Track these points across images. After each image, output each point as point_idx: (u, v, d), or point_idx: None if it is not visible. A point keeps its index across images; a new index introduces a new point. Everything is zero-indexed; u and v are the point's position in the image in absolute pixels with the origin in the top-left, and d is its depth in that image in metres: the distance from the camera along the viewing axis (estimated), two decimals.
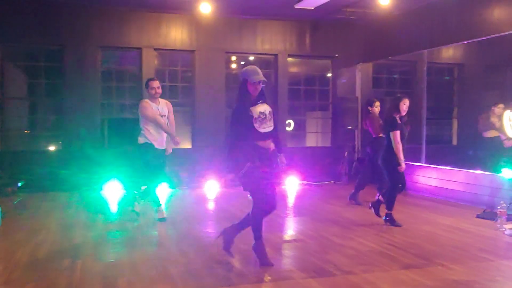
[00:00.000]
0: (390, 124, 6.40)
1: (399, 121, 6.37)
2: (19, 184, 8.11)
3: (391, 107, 6.47)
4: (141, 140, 6.66)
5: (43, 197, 8.77)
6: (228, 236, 4.78)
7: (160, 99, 6.80)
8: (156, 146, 6.64)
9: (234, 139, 4.57)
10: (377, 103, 8.10)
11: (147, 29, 10.09)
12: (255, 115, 4.52)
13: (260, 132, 4.55)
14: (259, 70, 4.62)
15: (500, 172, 8.02)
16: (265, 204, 4.56)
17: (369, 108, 8.06)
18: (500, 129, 8.16)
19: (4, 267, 4.66)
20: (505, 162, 8.42)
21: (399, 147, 6.26)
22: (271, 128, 4.63)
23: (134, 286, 4.10)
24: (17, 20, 9.35)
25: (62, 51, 9.71)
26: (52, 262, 4.81)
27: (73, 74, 9.71)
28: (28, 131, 10.18)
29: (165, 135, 6.71)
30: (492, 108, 8.97)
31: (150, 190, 6.79)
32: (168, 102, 6.93)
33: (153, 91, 6.66)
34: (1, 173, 8.32)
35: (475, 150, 10.45)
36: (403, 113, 6.38)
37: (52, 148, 10.07)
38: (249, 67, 4.67)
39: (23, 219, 6.90)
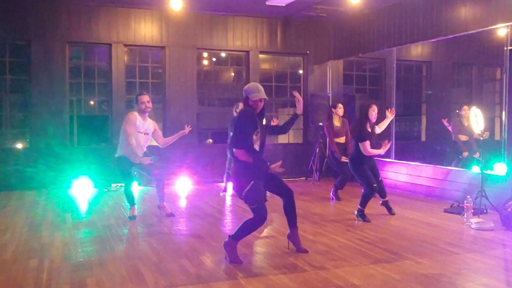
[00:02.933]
0: (358, 134, 6.51)
1: (368, 130, 6.45)
2: None
3: (361, 116, 6.56)
4: (118, 152, 6.55)
5: (9, 195, 8.57)
6: (230, 248, 4.71)
7: (149, 119, 6.65)
8: (131, 159, 6.51)
9: (244, 149, 4.56)
10: (340, 105, 8.38)
11: (117, 25, 9.94)
12: (255, 130, 4.60)
13: (255, 149, 4.65)
14: (260, 88, 4.69)
15: (470, 168, 8.26)
16: (265, 214, 4.61)
17: (333, 109, 8.35)
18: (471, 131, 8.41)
19: None
20: (475, 160, 8.69)
21: (371, 152, 6.43)
22: (261, 147, 4.73)
23: (103, 286, 4.04)
24: None
25: (28, 46, 9.47)
26: (19, 262, 4.70)
27: (40, 70, 9.49)
28: None
29: (140, 152, 6.53)
30: (459, 112, 9.25)
31: (126, 189, 6.68)
32: (154, 122, 6.79)
33: (143, 106, 6.49)
34: None
35: (443, 145, 10.72)
36: (373, 120, 6.49)
37: (18, 145, 9.83)
38: (251, 84, 4.75)
39: None
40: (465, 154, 9.07)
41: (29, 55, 9.48)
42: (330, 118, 8.38)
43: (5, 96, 9.70)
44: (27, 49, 9.48)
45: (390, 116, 7.17)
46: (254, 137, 4.61)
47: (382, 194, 6.89)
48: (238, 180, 4.64)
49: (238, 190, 4.67)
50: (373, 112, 6.46)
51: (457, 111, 9.41)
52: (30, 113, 9.56)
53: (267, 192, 5.21)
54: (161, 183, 6.71)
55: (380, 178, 6.76)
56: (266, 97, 4.66)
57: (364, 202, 6.54)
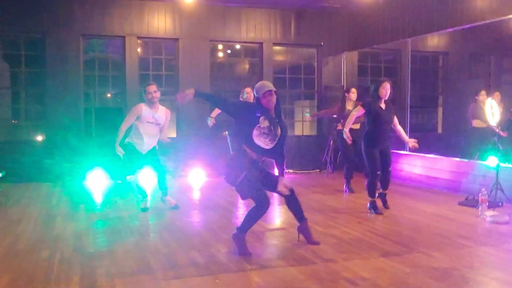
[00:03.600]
0: (363, 103, 6.53)
1: (380, 106, 6.35)
2: (1, 175, 8.00)
3: (372, 93, 6.51)
4: (127, 139, 6.59)
5: (26, 187, 8.70)
6: (238, 240, 4.71)
7: (161, 106, 6.66)
8: (137, 148, 6.54)
9: (238, 140, 4.60)
10: (353, 90, 8.26)
11: (130, 17, 9.97)
12: (262, 124, 4.51)
13: (255, 142, 4.54)
14: (266, 83, 4.62)
15: (485, 160, 8.08)
16: (266, 202, 4.56)
17: (346, 94, 8.25)
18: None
19: None
20: (491, 150, 8.47)
21: (349, 121, 6.64)
22: (267, 147, 4.59)
23: (112, 277, 4.07)
24: None
25: (43, 40, 9.56)
26: (31, 253, 4.76)
27: (55, 63, 9.58)
28: (14, 121, 10.05)
29: (152, 141, 6.60)
30: (476, 97, 9.02)
31: (135, 181, 6.72)
32: (168, 110, 6.77)
33: (149, 96, 6.52)
34: None
35: (459, 138, 10.53)
36: (383, 98, 6.37)
37: (35, 137, 9.96)
38: (257, 84, 4.67)
39: (5, 209, 6.84)
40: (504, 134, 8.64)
41: (44, 49, 9.57)
42: (343, 101, 8.25)
43: (21, 89, 9.83)
44: (42, 43, 9.58)
45: (410, 144, 6.92)
46: (255, 131, 4.55)
47: (384, 185, 6.64)
48: (231, 170, 4.61)
49: (229, 180, 4.65)
50: (383, 90, 6.35)
51: (476, 96, 9.15)
52: (45, 105, 9.67)
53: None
54: (163, 175, 6.72)
55: (389, 169, 6.56)
56: (273, 88, 4.58)
57: (371, 192, 6.44)
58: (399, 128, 6.68)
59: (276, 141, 4.63)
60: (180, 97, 4.64)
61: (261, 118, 4.54)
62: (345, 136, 6.73)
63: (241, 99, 8.31)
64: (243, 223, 4.68)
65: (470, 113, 9.13)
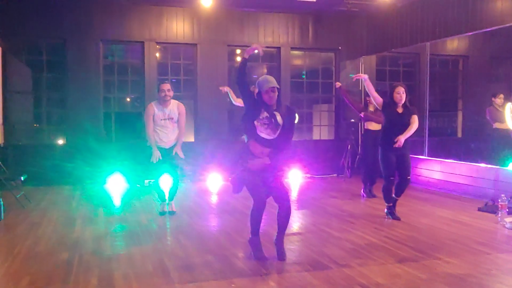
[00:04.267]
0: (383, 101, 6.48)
1: (397, 110, 6.32)
2: (23, 178, 8.17)
3: (388, 97, 6.48)
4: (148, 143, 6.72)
5: (46, 190, 8.85)
6: (253, 244, 4.75)
7: (173, 101, 6.74)
8: (159, 144, 6.64)
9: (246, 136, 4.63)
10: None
11: (149, 23, 10.10)
12: (261, 116, 4.53)
13: (258, 135, 4.57)
14: (270, 78, 4.60)
15: (507, 165, 7.97)
16: (259, 202, 4.57)
17: (367, 98, 8.22)
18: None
19: (3, 260, 4.71)
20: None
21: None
22: (270, 138, 4.57)
23: (129, 280, 4.14)
24: (19, 14, 9.39)
25: (64, 45, 9.74)
26: (51, 255, 4.86)
27: (76, 68, 9.75)
28: (36, 125, 10.25)
29: (171, 137, 6.69)
30: (493, 99, 8.88)
31: (155, 184, 6.80)
32: (181, 104, 6.83)
33: (162, 94, 6.63)
34: (5, 167, 8.38)
35: (480, 142, 10.38)
36: (399, 102, 6.33)
37: (56, 141, 10.14)
38: (261, 77, 4.66)
39: (26, 212, 6.98)
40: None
41: (64, 54, 9.75)
42: (365, 105, 8.28)
43: (43, 94, 10.01)
44: (63, 48, 9.75)
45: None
46: (256, 122, 4.54)
47: (398, 192, 6.45)
48: (233, 164, 4.67)
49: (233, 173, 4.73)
50: (397, 95, 6.32)
51: (492, 98, 8.99)
52: (66, 110, 9.84)
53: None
54: (176, 183, 6.79)
55: (408, 177, 6.38)
56: (277, 85, 4.58)
57: (387, 198, 6.41)
58: (412, 125, 6.32)
59: (278, 130, 4.59)
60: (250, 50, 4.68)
61: (261, 109, 4.56)
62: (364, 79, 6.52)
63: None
64: (250, 225, 4.72)
65: (489, 115, 8.99)
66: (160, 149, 6.63)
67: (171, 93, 6.69)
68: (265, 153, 4.57)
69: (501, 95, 8.80)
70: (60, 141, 10.10)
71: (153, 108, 6.66)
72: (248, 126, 4.61)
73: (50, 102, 10.16)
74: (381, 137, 6.46)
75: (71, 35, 9.71)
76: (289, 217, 4.74)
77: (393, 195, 6.48)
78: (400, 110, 6.35)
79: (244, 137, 4.76)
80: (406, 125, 6.33)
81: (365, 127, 8.19)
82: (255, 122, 4.56)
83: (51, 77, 9.94)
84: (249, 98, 4.69)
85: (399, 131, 6.28)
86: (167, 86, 6.67)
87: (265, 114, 4.56)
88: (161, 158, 6.58)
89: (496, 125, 8.76)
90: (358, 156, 10.20)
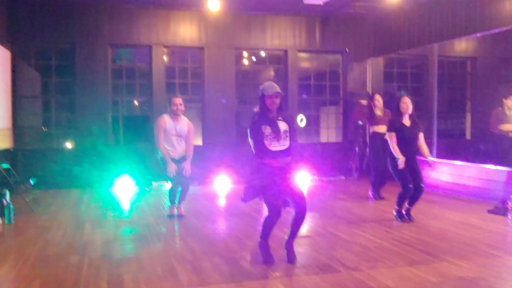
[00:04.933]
0: (388, 124, 6.54)
1: (403, 122, 6.32)
2: (32, 182, 8.22)
3: (394, 109, 6.48)
4: (159, 154, 6.73)
5: (56, 194, 8.90)
6: (262, 247, 4.75)
7: (183, 117, 6.76)
8: (172, 156, 6.64)
9: (253, 155, 4.64)
10: (377, 96, 8.21)
11: (157, 27, 10.15)
12: (266, 133, 4.55)
13: (270, 150, 4.56)
14: (275, 85, 4.65)
15: None
16: (275, 210, 4.56)
17: (371, 102, 8.24)
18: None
19: (14, 263, 4.75)
20: None
21: (393, 147, 6.31)
22: (284, 147, 4.60)
23: (138, 283, 4.15)
24: (28, 19, 9.48)
25: (73, 50, 9.81)
26: (61, 259, 4.88)
27: (84, 72, 9.82)
28: (45, 129, 10.32)
29: (178, 150, 6.69)
30: (504, 100, 8.81)
31: (171, 187, 6.80)
32: (190, 123, 6.84)
33: (174, 107, 6.64)
34: (15, 171, 8.44)
35: (488, 144, 10.32)
36: (406, 112, 6.33)
37: (64, 145, 10.20)
38: (266, 82, 4.72)
39: (35, 216, 7.02)
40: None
41: (73, 58, 9.82)
42: (371, 109, 8.24)
43: (52, 98, 10.08)
44: (72, 53, 9.82)
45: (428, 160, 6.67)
46: (266, 142, 4.55)
47: (412, 202, 6.42)
48: (247, 174, 4.71)
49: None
50: (404, 105, 6.32)
51: (503, 99, 8.90)
52: (75, 114, 9.90)
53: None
54: (187, 190, 6.81)
55: (422, 185, 6.32)
56: (281, 91, 4.61)
57: (400, 203, 6.41)
58: (422, 143, 6.43)
59: (287, 136, 4.62)
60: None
61: (263, 127, 4.56)
62: (399, 162, 6.25)
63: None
64: (262, 230, 4.73)
65: (494, 117, 8.87)
66: (172, 160, 6.66)
67: (183, 107, 6.70)
68: (279, 162, 4.61)
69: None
70: (69, 145, 10.16)
71: (165, 122, 6.65)
72: (259, 149, 4.60)
73: (58, 106, 10.23)
74: (391, 152, 6.41)
75: (80, 40, 9.78)
76: (303, 223, 4.73)
77: (407, 205, 6.45)
78: (407, 122, 6.34)
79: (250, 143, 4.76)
80: (414, 138, 6.35)
81: (373, 130, 8.14)
82: (265, 142, 4.55)
83: (60, 81, 10.01)
84: (250, 134, 4.68)
85: (407, 145, 6.29)
86: (179, 100, 6.67)
87: (268, 129, 4.56)
88: (177, 169, 6.61)
89: (504, 127, 8.69)
90: (366, 159, 10.17)
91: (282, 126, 4.61)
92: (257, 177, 4.59)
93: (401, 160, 6.20)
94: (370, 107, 8.24)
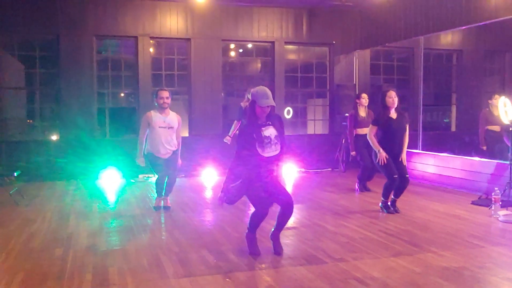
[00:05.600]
0: (373, 119, 6.56)
1: (390, 116, 6.33)
2: (16, 174, 8.12)
3: (380, 104, 6.48)
4: (146, 149, 6.68)
5: (40, 186, 8.82)
6: (248, 239, 4.76)
7: (171, 112, 6.73)
8: (157, 155, 6.61)
9: (237, 160, 4.55)
10: (364, 95, 8.22)
11: (143, 18, 10.04)
12: (258, 140, 4.49)
13: (263, 156, 4.52)
14: (269, 93, 4.54)
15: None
16: (262, 210, 4.57)
17: (357, 100, 8.23)
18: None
19: None
20: None
21: (371, 138, 6.38)
22: (276, 152, 4.58)
23: (124, 275, 4.12)
24: (12, 10, 9.32)
25: (57, 41, 9.67)
26: (45, 251, 4.84)
27: (69, 64, 9.69)
28: (29, 121, 10.20)
29: (167, 147, 6.63)
30: (489, 102, 8.79)
31: (157, 179, 6.76)
32: (178, 116, 6.81)
33: (161, 101, 6.60)
34: None
35: (473, 136, 10.40)
36: (391, 107, 6.34)
37: (49, 137, 10.09)
38: (260, 89, 4.58)
39: (19, 208, 6.95)
40: (484, 148, 8.67)
41: (58, 49, 9.68)
42: (355, 108, 8.27)
43: (36, 89, 9.96)
44: (56, 43, 9.69)
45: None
46: (259, 149, 4.49)
47: (398, 193, 6.46)
48: (230, 179, 4.64)
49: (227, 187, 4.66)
50: (390, 100, 6.34)
51: (489, 100, 8.99)
52: (60, 105, 9.78)
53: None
54: (173, 182, 6.80)
55: (407, 176, 6.35)
56: (274, 104, 4.54)
57: (386, 194, 6.44)
58: (405, 140, 6.46)
59: (278, 142, 4.58)
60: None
61: (254, 135, 4.49)
62: (378, 155, 6.29)
63: (242, 104, 8.11)
64: (249, 223, 4.74)
65: (483, 118, 8.85)
66: (158, 158, 6.61)
67: (169, 101, 6.66)
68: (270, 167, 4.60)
69: (496, 96, 8.76)
70: (54, 137, 10.05)
71: (151, 116, 6.61)
72: (249, 157, 4.52)
73: (43, 97, 10.11)
74: (378, 144, 6.42)
75: (64, 31, 9.65)
76: (289, 218, 4.73)
77: (392, 197, 6.49)
78: (393, 116, 6.35)
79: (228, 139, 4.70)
80: (401, 130, 6.37)
81: (356, 133, 8.12)
82: (258, 150, 4.49)
83: (44, 73, 9.88)
84: (240, 141, 4.61)
85: (395, 137, 6.33)
86: (165, 94, 6.63)
87: (262, 134, 4.50)
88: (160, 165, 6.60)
89: (491, 128, 8.68)
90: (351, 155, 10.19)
91: (272, 132, 4.56)
92: (243, 177, 4.54)
93: (380, 153, 6.25)
94: (355, 107, 8.23)
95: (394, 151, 6.34)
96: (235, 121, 8.00)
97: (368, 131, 6.50)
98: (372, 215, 6.36)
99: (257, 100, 4.51)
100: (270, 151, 4.54)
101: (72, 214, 6.58)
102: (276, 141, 4.57)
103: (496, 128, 8.58)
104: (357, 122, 8.11)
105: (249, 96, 7.63)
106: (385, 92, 6.38)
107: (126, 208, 7.00)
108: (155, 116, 6.61)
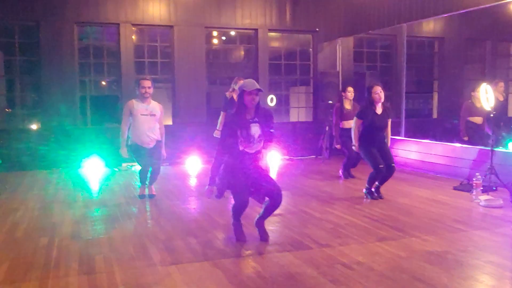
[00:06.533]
0: (358, 112, 6.63)
1: (375, 111, 6.40)
2: None
3: (366, 99, 6.53)
4: (130, 139, 6.62)
5: (22, 175, 8.70)
6: (234, 226, 4.78)
7: (153, 101, 6.67)
8: (140, 145, 6.57)
9: (222, 149, 4.59)
10: (350, 89, 8.27)
11: (124, 4, 9.90)
12: (241, 137, 4.51)
13: (241, 151, 4.55)
14: (255, 82, 4.60)
15: (507, 147, 8.09)
16: (241, 201, 4.59)
17: (342, 93, 8.28)
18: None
19: None
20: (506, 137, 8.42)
21: (353, 131, 6.56)
22: (258, 148, 4.61)
23: (110, 263, 4.11)
24: None
25: (37, 27, 9.49)
26: (30, 240, 4.79)
27: (50, 51, 9.52)
28: (9, 110, 10.03)
29: (151, 135, 6.58)
30: (472, 94, 8.83)
31: (140, 169, 6.72)
32: (160, 105, 6.76)
33: (143, 90, 6.53)
34: None
35: (455, 123, 10.52)
36: (378, 101, 6.40)
37: (30, 125, 9.94)
38: (246, 80, 4.69)
39: (2, 198, 6.85)
40: (466, 138, 8.76)
41: (38, 36, 9.49)
42: (340, 101, 8.31)
43: (16, 77, 9.78)
44: (36, 30, 9.50)
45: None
46: (240, 146, 4.54)
47: (382, 181, 6.53)
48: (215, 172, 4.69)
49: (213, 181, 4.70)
50: (376, 96, 6.39)
51: (472, 92, 8.99)
52: (41, 93, 9.62)
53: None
54: (158, 172, 6.77)
55: (393, 165, 6.40)
56: (260, 88, 4.56)
57: (370, 182, 6.52)
58: (388, 131, 6.60)
59: (261, 140, 4.62)
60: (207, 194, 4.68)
61: (238, 132, 4.52)
62: (354, 148, 6.63)
63: (228, 94, 8.06)
64: (232, 214, 4.79)
65: (465, 110, 8.89)
66: (141, 148, 6.57)
67: (151, 90, 6.61)
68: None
69: (479, 89, 8.83)
70: (35, 126, 9.90)
71: (133, 104, 6.57)
72: (231, 150, 4.56)
73: (23, 86, 9.94)
74: (361, 137, 6.51)
75: (45, 17, 9.46)
76: (277, 208, 4.76)
77: (377, 183, 6.56)
78: (379, 110, 6.42)
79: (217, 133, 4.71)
80: (383, 127, 6.49)
81: (340, 126, 8.18)
82: (240, 147, 4.53)
83: (24, 60, 9.70)
84: (224, 132, 4.65)
85: (379, 130, 6.44)
86: (147, 83, 6.57)
87: (244, 133, 4.52)
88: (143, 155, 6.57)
89: (473, 119, 8.73)
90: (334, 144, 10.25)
91: (257, 131, 4.58)
92: (227, 172, 4.57)
93: (355, 147, 6.55)
94: (340, 100, 8.27)
95: (376, 142, 6.45)
96: (222, 113, 7.95)
97: (352, 124, 6.61)
98: (356, 201, 6.43)
99: (244, 88, 4.55)
100: (253, 148, 4.60)
101: (56, 203, 6.52)
102: (259, 139, 4.60)
103: (478, 119, 8.64)
104: (342, 114, 8.16)
105: (235, 87, 7.64)
106: (371, 88, 6.42)
107: (110, 196, 6.96)
108: (136, 104, 6.56)
